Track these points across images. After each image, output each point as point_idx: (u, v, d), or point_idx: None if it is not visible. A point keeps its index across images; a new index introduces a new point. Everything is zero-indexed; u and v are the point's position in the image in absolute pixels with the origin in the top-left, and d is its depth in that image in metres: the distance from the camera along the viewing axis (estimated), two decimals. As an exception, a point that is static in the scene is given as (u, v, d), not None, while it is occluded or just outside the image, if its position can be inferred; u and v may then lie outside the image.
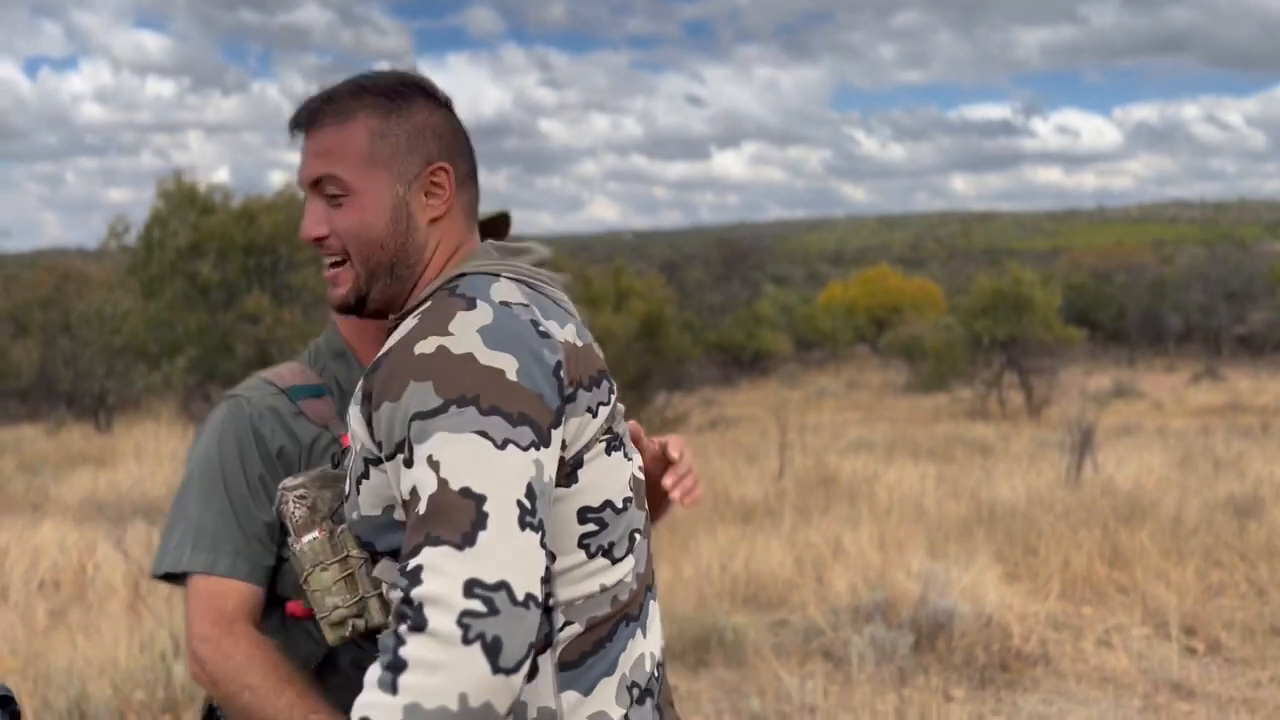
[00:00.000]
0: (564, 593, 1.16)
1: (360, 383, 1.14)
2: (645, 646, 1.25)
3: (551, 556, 1.13)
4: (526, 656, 1.00)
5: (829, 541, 6.88)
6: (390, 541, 1.15)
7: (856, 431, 18.96)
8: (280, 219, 19.17)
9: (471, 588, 0.98)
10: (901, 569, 5.32)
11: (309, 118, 1.25)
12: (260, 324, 18.50)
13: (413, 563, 1.01)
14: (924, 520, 7.47)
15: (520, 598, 1.00)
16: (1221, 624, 5.27)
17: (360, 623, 1.25)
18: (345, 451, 1.30)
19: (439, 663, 0.97)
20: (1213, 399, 25.94)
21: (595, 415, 1.18)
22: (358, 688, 1.03)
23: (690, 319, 25.18)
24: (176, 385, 19.06)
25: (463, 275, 1.21)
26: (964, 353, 25.83)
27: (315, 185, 1.24)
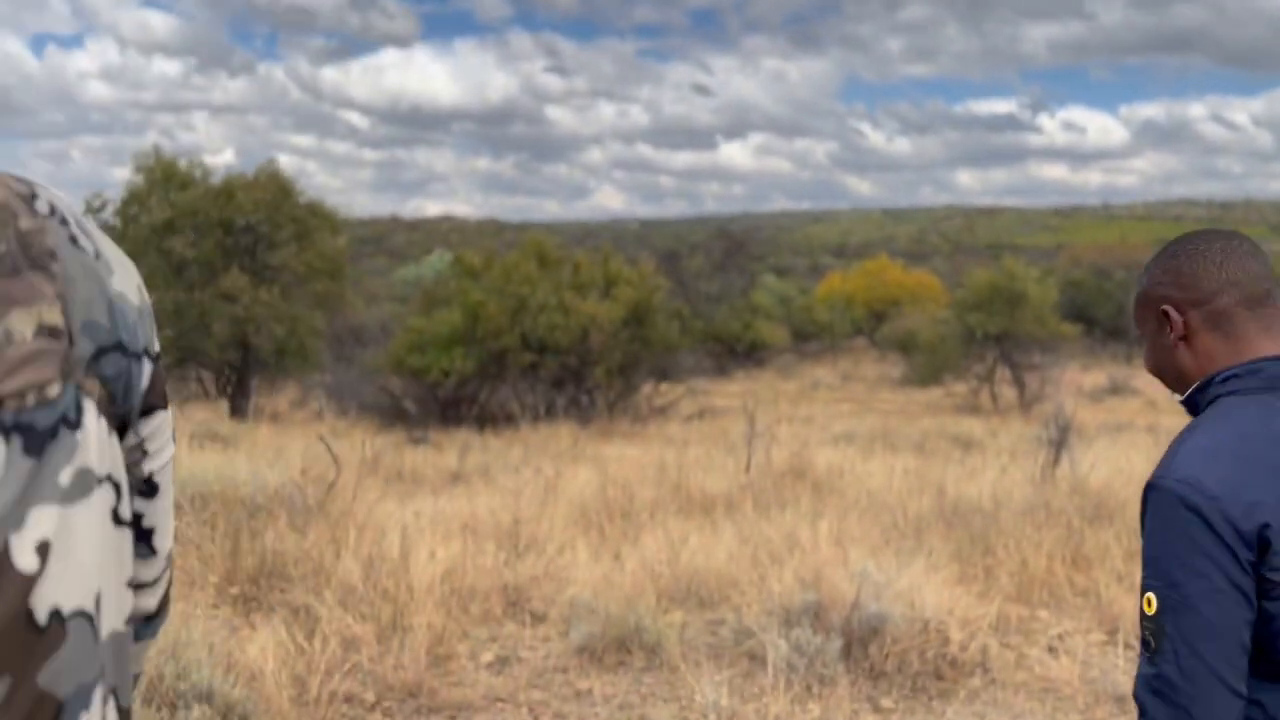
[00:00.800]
0: None
1: None
2: None
3: None
4: None
5: (784, 537, 6.63)
6: None
7: (844, 424, 18.70)
8: (261, 197, 18.92)
9: None
10: (844, 568, 5.06)
11: None
12: (238, 303, 18.25)
13: None
14: (885, 516, 7.21)
15: None
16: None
17: None
18: None
19: None
20: (1207, 398, 25.61)
21: None
22: None
23: (680, 308, 24.89)
24: (154, 364, 18.83)
25: None
26: (958, 347, 25.53)
27: None
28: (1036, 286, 24.97)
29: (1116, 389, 28.54)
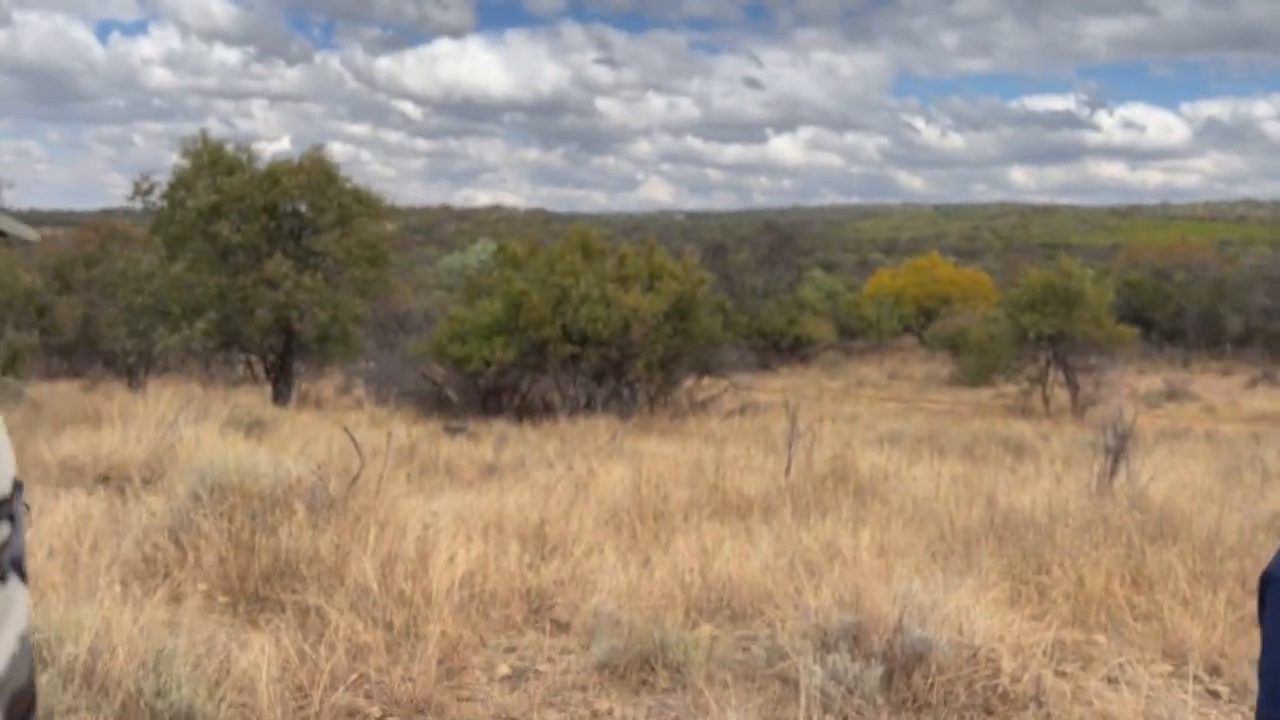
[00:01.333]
0: None
1: None
2: None
3: None
4: None
5: (824, 546, 6.31)
6: None
7: (889, 424, 18.28)
8: (305, 182, 18.86)
9: None
10: (886, 584, 4.73)
11: None
12: (280, 288, 18.21)
13: None
14: (932, 526, 6.85)
15: None
16: (1251, 664, 4.62)
17: None
18: None
19: None
20: (1269, 405, 24.83)
21: None
22: None
23: (723, 302, 24.54)
24: (195, 347, 18.87)
25: None
26: (1010, 347, 24.92)
27: None
28: (1093, 286, 24.29)
29: (1174, 393, 27.75)
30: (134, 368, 22.80)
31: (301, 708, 3.65)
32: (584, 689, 4.14)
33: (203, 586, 4.77)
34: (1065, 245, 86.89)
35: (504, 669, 4.38)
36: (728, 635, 4.84)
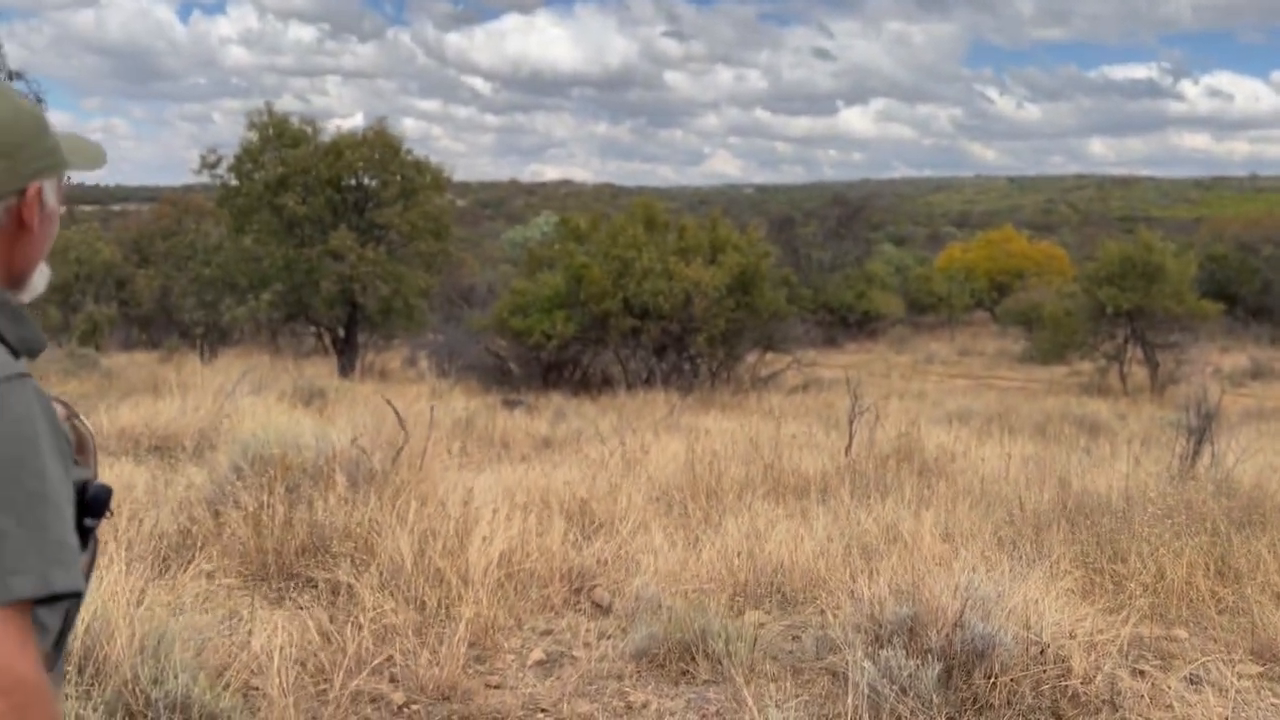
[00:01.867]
0: None
1: None
2: None
3: None
4: None
5: (883, 529, 6.00)
6: None
7: (958, 402, 17.76)
8: (367, 155, 18.84)
9: None
10: (947, 571, 4.42)
11: None
12: (344, 261, 18.24)
13: None
14: (1000, 509, 6.49)
15: None
16: (1351, 667, 4.24)
17: None
18: None
19: None
20: (1363, 385, 23.67)
21: None
22: None
23: (788, 275, 24.07)
24: (261, 319, 19.02)
25: None
26: (1086, 322, 24.08)
27: None
28: (1175, 260, 23.32)
29: (1259, 372, 26.63)
30: (205, 338, 23.15)
31: (321, 692, 3.49)
32: (620, 678, 3.92)
33: (230, 561, 4.64)
34: (1145, 218, 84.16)
35: (538, 653, 4.17)
36: (775, 623, 4.58)
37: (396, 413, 6.65)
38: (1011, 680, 3.55)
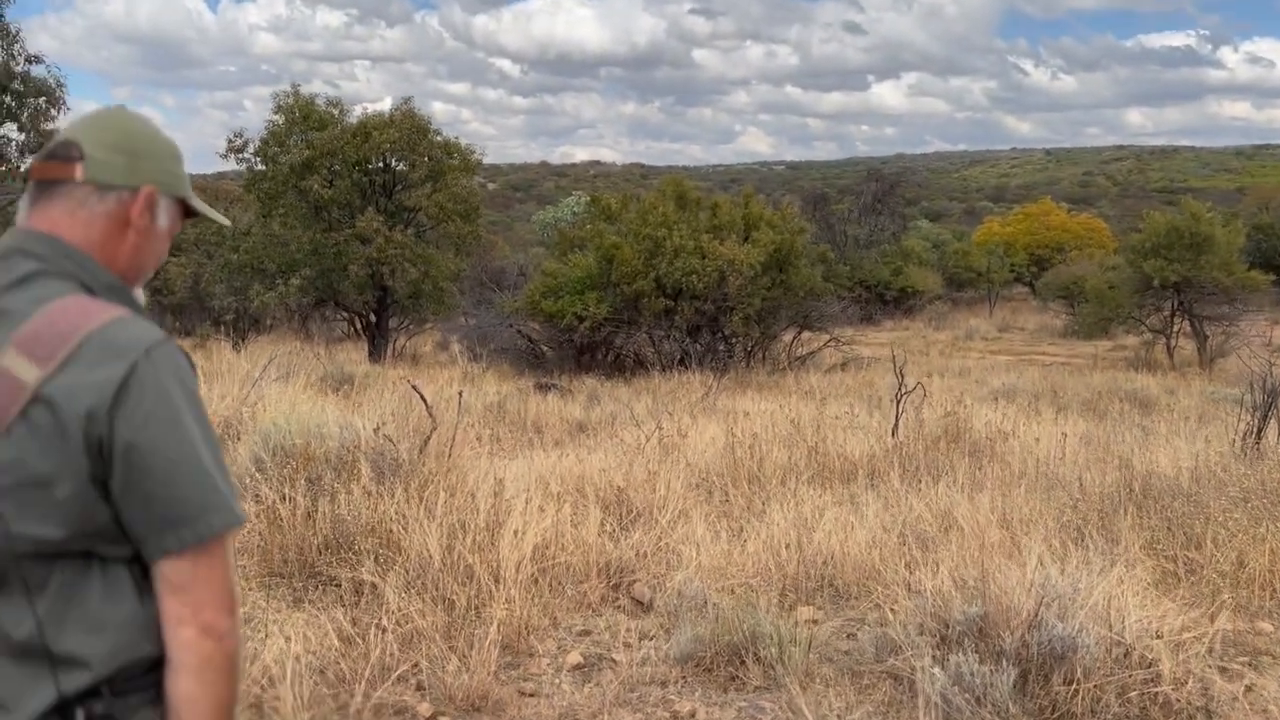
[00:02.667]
0: None
1: None
2: None
3: None
4: None
5: (938, 515, 5.67)
6: None
7: (1002, 378, 17.28)
8: (394, 136, 18.59)
9: None
10: (1013, 561, 4.09)
11: None
12: (372, 244, 18.04)
13: None
14: (1060, 493, 6.14)
15: None
16: None
17: None
18: None
19: None
20: None
21: None
22: None
23: (825, 252, 23.59)
24: (291, 304, 18.86)
25: None
26: (1131, 295, 23.44)
27: None
28: (1223, 230, 22.62)
29: (1312, 344, 25.85)
30: (236, 325, 23.07)
31: (341, 706, 3.22)
32: (664, 684, 3.63)
33: (248, 560, 4.39)
34: (1185, 189, 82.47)
35: (575, 657, 3.89)
36: (829, 620, 4.27)
37: (424, 399, 6.39)
38: (1095, 686, 3.23)
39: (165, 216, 1.42)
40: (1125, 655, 3.35)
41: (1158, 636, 3.50)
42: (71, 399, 1.19)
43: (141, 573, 1.24)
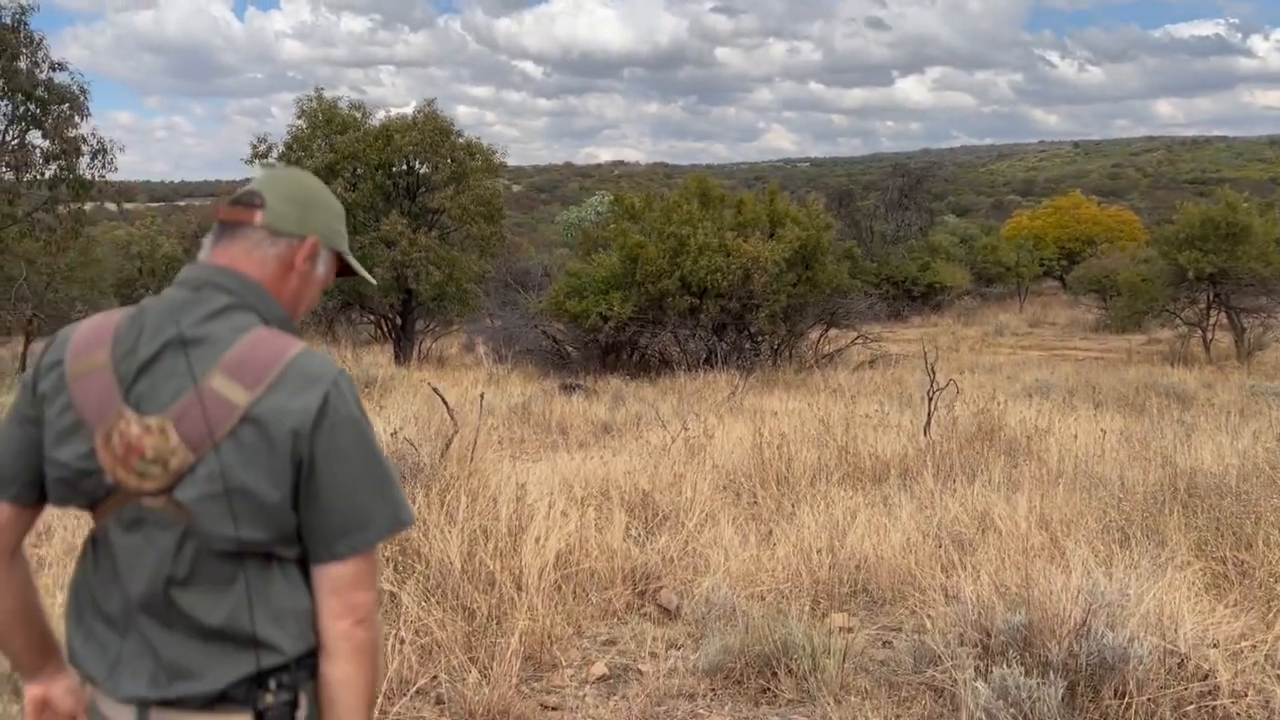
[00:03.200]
0: None
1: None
2: None
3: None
4: None
5: (974, 517, 5.49)
6: None
7: (1034, 374, 16.99)
8: (417, 139, 18.53)
9: None
10: (1055, 565, 3.91)
11: None
12: (396, 247, 17.99)
13: None
14: (1101, 492, 5.93)
15: None
16: None
17: None
18: None
19: None
20: None
21: None
22: None
23: (851, 248, 23.32)
24: (316, 308, 18.84)
25: None
26: (1165, 288, 23.02)
27: None
28: (1260, 220, 22.16)
29: (1352, 336, 25.31)
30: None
31: (356, 721, 3.10)
32: (692, 697, 3.48)
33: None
34: (1218, 179, 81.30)
35: (600, 668, 3.75)
36: (864, 628, 4.11)
37: (444, 401, 6.27)
38: (1149, 700, 3.05)
39: (323, 266, 1.58)
40: (1180, 665, 3.17)
41: (1214, 645, 3.32)
42: (279, 419, 1.36)
43: (304, 571, 1.42)
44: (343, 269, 1.64)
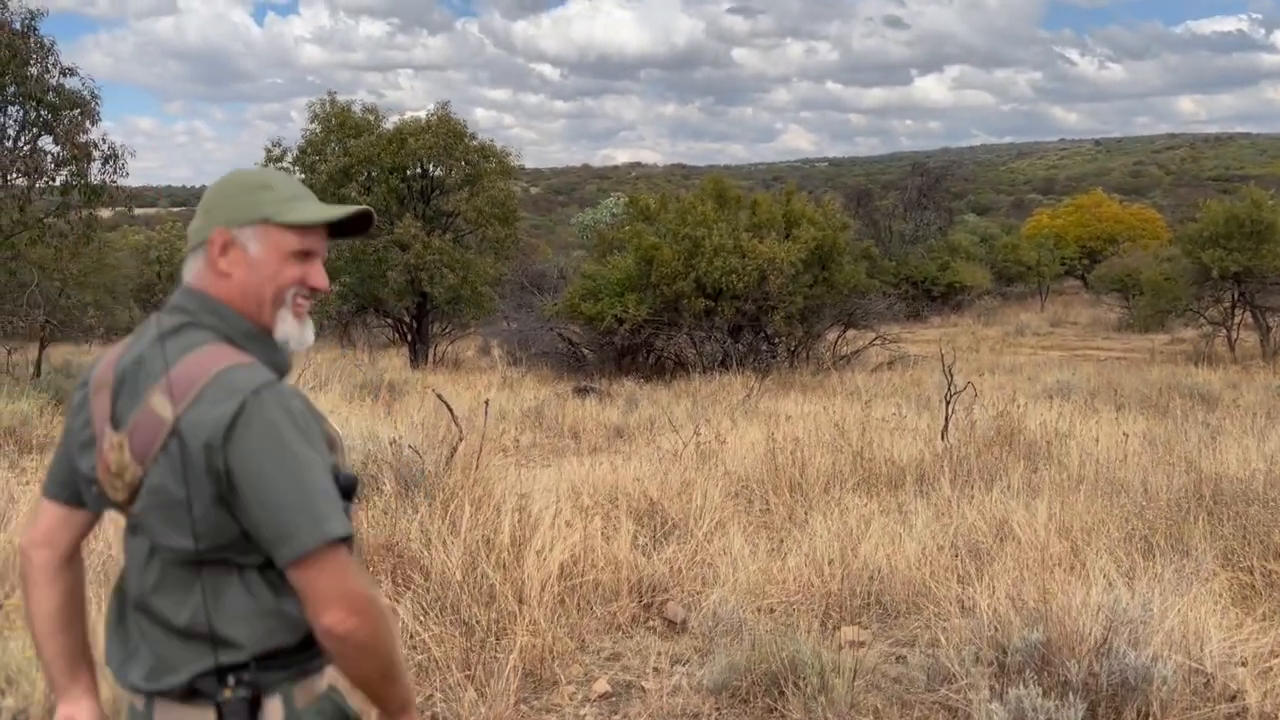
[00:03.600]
0: None
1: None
2: None
3: None
4: None
5: (992, 525, 5.33)
6: None
7: (1055, 375, 16.75)
8: (431, 142, 18.48)
9: None
10: (1075, 576, 3.76)
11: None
12: (410, 250, 17.94)
13: None
14: (1123, 498, 5.77)
15: None
16: None
17: None
18: None
19: None
20: None
21: None
22: None
23: (869, 248, 23.12)
24: (331, 312, 18.82)
25: None
26: (1188, 287, 22.71)
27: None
28: (1285, 217, 21.81)
29: (1380, 334, 24.89)
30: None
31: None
32: (696, 716, 3.36)
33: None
34: (1242, 176, 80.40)
35: (602, 684, 3.63)
36: (876, 642, 3.97)
37: (449, 408, 6.17)
38: (1174, 722, 2.90)
39: (256, 243, 1.51)
40: (1206, 685, 3.02)
41: (1241, 663, 3.17)
42: (195, 432, 1.39)
43: (279, 576, 1.43)
44: (333, 229, 1.57)
